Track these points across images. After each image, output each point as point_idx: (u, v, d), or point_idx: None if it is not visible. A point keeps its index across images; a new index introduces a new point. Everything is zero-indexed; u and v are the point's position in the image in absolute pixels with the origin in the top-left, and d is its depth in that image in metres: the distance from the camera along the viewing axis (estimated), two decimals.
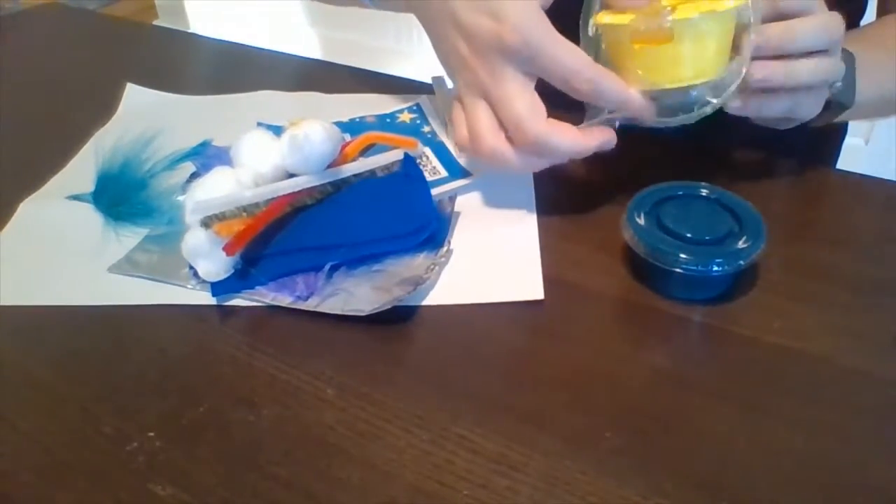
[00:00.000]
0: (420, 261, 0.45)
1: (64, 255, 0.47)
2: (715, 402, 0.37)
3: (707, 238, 0.41)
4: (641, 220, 0.43)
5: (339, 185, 0.48)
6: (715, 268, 0.40)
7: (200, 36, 0.85)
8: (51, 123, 0.64)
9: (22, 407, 0.37)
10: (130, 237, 0.48)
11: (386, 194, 0.48)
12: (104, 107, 0.65)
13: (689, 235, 0.41)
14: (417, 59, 2.12)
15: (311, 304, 0.42)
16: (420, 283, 0.43)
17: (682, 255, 0.40)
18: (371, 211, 0.47)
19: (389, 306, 0.41)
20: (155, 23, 2.27)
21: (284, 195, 0.46)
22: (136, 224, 0.49)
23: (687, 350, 0.40)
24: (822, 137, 0.54)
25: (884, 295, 0.40)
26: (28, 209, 0.51)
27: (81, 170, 0.54)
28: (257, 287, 0.43)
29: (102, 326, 0.42)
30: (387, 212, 0.47)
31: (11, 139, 0.62)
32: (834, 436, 0.35)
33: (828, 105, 0.50)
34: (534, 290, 0.43)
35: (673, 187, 0.46)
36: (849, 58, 0.51)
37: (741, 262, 0.40)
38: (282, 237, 0.46)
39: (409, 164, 0.49)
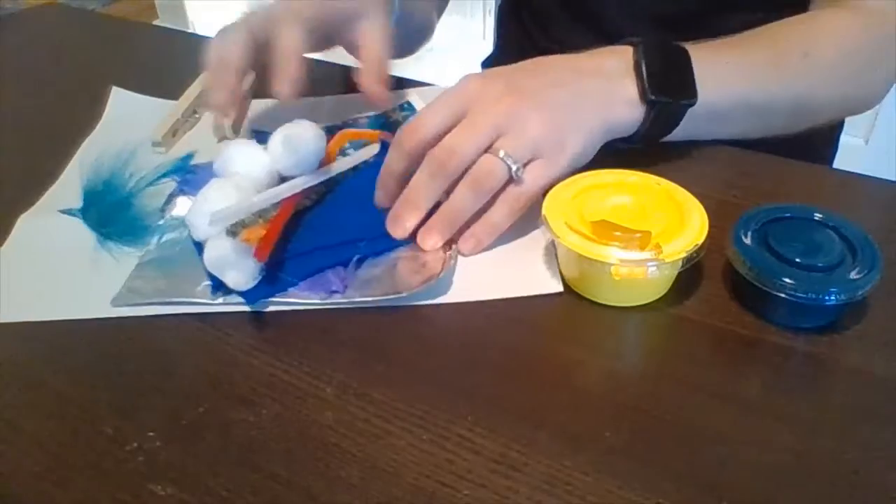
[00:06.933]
0: None
1: (63, 269, 0.46)
2: (715, 402, 0.37)
3: (820, 265, 0.40)
4: (748, 240, 0.41)
5: (336, 182, 0.49)
6: (830, 297, 0.38)
7: (200, 36, 0.85)
8: (50, 125, 0.64)
9: (22, 407, 0.37)
10: (125, 256, 0.47)
11: None
12: (104, 108, 0.64)
13: (798, 260, 0.40)
14: (416, 60, 2.11)
15: (349, 297, 0.42)
16: (447, 262, 0.43)
17: (789, 280, 0.39)
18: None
19: (426, 287, 0.42)
20: (155, 23, 2.27)
21: (292, 196, 0.46)
22: (124, 244, 0.47)
23: (686, 350, 0.40)
24: (815, 135, 0.53)
25: (884, 295, 0.40)
26: (26, 223, 0.50)
27: (74, 181, 0.52)
28: (290, 289, 0.43)
29: (102, 326, 0.42)
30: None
31: (10, 140, 0.62)
32: (834, 436, 0.35)
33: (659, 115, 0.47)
34: (552, 282, 0.43)
35: (780, 209, 0.44)
36: (679, 53, 0.49)
37: (858, 293, 0.38)
38: (302, 237, 0.46)
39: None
